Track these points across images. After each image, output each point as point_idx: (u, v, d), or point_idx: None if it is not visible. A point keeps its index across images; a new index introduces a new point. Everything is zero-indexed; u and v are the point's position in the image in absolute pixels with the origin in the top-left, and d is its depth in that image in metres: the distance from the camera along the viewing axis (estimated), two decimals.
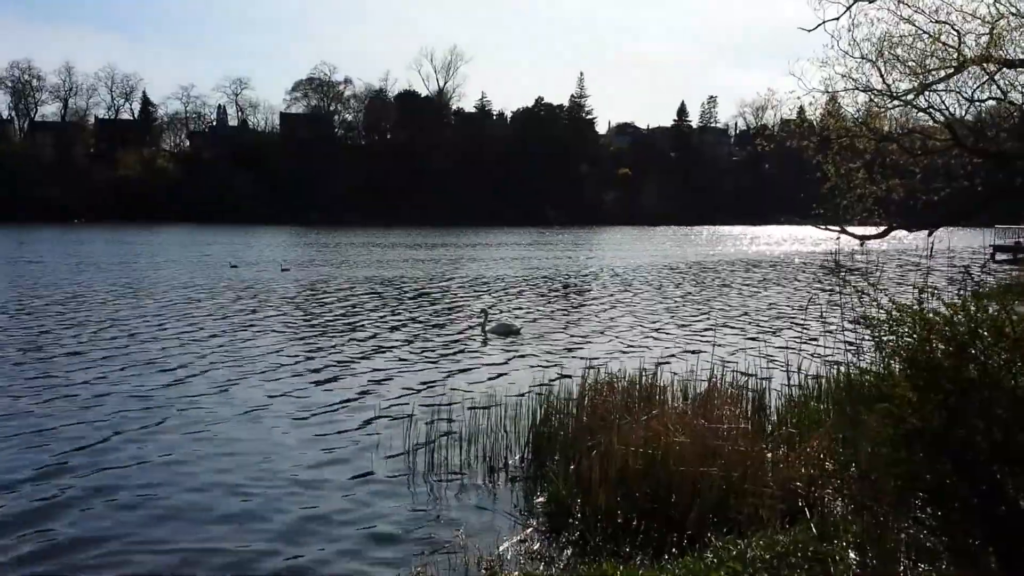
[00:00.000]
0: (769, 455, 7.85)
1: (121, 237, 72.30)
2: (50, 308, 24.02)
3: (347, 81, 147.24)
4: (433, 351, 17.58)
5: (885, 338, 6.22)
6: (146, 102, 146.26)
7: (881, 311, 6.28)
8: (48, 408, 12.15)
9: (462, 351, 17.54)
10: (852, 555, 5.81)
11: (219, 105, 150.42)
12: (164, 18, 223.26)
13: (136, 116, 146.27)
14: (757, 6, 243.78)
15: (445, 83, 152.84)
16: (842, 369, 9.92)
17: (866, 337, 7.60)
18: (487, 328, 20.01)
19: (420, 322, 22.14)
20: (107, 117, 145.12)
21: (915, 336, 5.85)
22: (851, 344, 9.32)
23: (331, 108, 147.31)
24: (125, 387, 13.59)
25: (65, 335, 18.97)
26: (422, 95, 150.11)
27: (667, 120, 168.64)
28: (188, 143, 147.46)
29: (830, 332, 14.33)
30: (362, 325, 21.52)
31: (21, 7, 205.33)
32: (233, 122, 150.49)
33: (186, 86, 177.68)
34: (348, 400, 12.94)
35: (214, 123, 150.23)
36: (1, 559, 7.12)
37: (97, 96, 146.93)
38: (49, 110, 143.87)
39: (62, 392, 13.14)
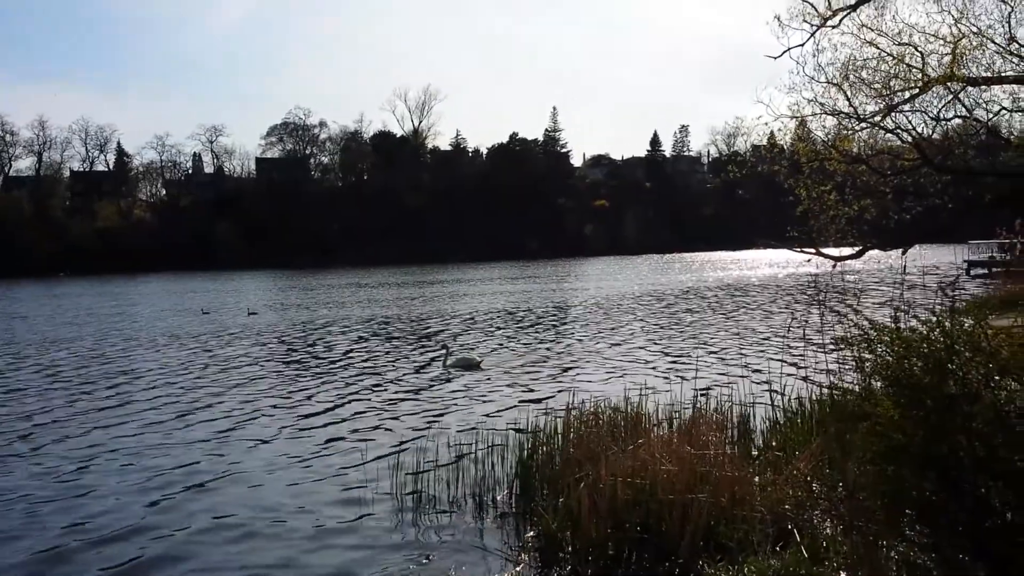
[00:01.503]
0: (757, 479, 7.86)
1: (102, 289, 71.87)
2: (31, 362, 23.83)
3: (322, 124, 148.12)
4: (415, 389, 17.50)
5: (864, 357, 6.28)
6: (121, 152, 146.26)
7: (860, 331, 6.34)
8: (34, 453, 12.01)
9: (444, 387, 17.47)
10: (843, 575, 5.81)
11: (194, 153, 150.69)
12: (136, 68, 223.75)
13: (111, 167, 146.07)
14: (725, 35, 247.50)
15: (420, 122, 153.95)
16: (825, 390, 9.96)
17: (847, 357, 7.67)
18: (448, 363, 20.18)
19: (401, 360, 22.02)
20: (82, 169, 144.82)
21: (893, 354, 5.91)
22: (832, 365, 9.37)
23: (307, 152, 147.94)
24: (93, 441, 13.43)
25: (42, 386, 18.80)
26: (397, 135, 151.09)
27: (640, 150, 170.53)
28: (164, 192, 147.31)
29: (812, 354, 14.41)
30: (340, 365, 21.43)
31: None
32: (209, 169, 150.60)
33: (160, 135, 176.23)
34: (330, 442, 12.83)
35: (190, 171, 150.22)
36: None
37: (71, 149, 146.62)
38: (23, 164, 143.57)
39: (36, 440, 13.01)
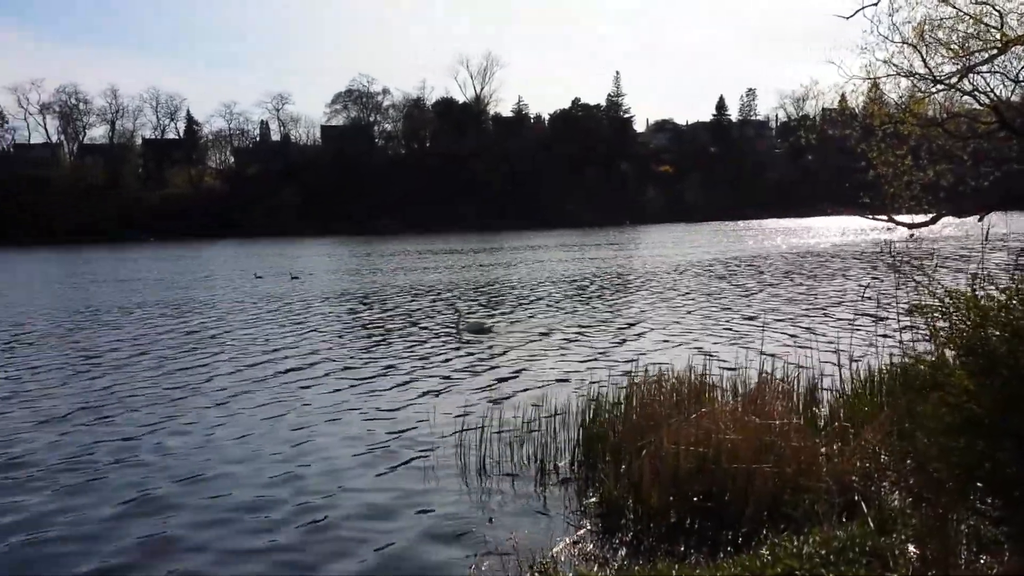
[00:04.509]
0: (823, 449, 7.75)
1: (181, 254, 73.95)
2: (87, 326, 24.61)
3: (385, 91, 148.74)
4: (479, 354, 17.61)
5: (938, 326, 6.11)
6: (190, 121, 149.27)
7: (934, 299, 6.16)
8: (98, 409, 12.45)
9: (508, 354, 17.53)
10: (911, 548, 5.70)
11: (262, 121, 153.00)
12: (204, 38, 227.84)
13: (181, 135, 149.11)
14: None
15: (482, 89, 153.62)
16: (895, 359, 9.75)
17: (919, 326, 7.47)
18: (461, 327, 20.83)
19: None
20: (153, 137, 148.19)
21: (969, 323, 5.74)
22: (903, 334, 9.16)
23: (371, 119, 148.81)
24: (157, 407, 13.83)
25: (99, 349, 19.39)
26: (459, 102, 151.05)
27: (706, 115, 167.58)
28: (233, 159, 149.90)
29: (882, 322, 14.14)
30: (402, 330, 21.65)
31: (64, 32, 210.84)
32: (276, 137, 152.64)
33: (228, 103, 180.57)
34: (395, 406, 13.03)
35: (257, 139, 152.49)
36: None
37: (143, 117, 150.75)
38: (97, 133, 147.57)
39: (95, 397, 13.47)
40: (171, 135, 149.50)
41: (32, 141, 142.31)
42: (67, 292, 38.02)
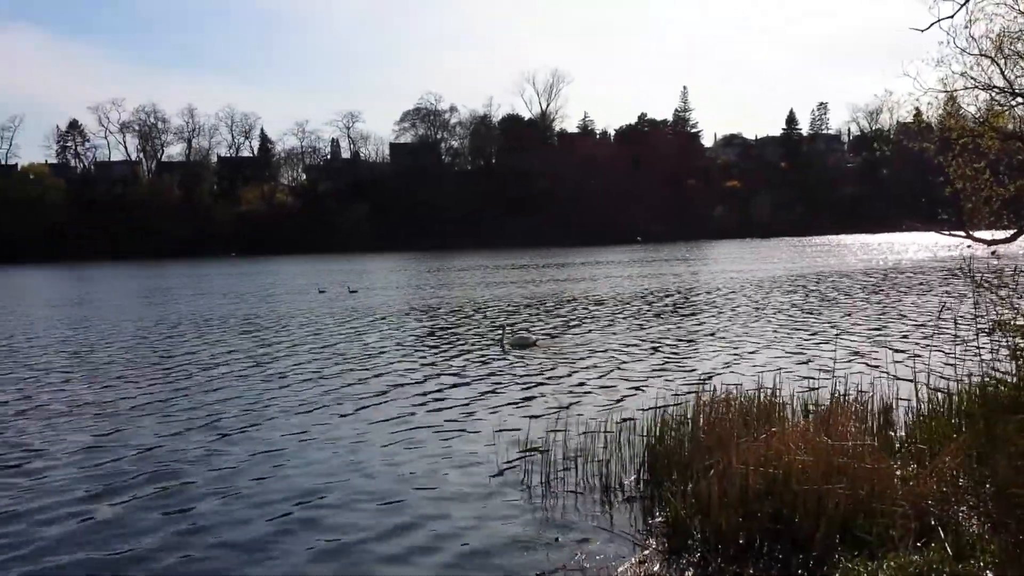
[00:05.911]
0: (898, 472, 7.54)
1: (249, 269, 75.67)
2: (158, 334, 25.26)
3: (452, 109, 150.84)
4: (533, 369, 17.54)
5: (1021, 344, 5.92)
6: (264, 139, 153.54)
7: (1018, 316, 5.98)
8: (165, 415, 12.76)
9: (562, 369, 17.44)
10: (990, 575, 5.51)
11: (332, 139, 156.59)
12: (278, 58, 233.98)
13: (255, 153, 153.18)
14: (863, 7, 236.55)
15: (547, 105, 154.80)
16: (975, 380, 9.45)
17: (1000, 345, 7.23)
18: (506, 342, 20.94)
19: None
20: (228, 155, 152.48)
21: None
22: (983, 353, 8.88)
23: (438, 136, 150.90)
24: (231, 415, 14.11)
25: (172, 357, 19.90)
26: (525, 118, 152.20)
27: (775, 129, 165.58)
28: (304, 176, 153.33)
29: (960, 341, 13.72)
30: (457, 344, 21.74)
31: (144, 53, 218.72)
32: (346, 154, 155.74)
33: (301, 122, 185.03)
34: (452, 421, 13.01)
35: (328, 156, 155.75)
36: None
37: (218, 135, 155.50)
38: (174, 151, 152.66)
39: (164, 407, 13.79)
40: (245, 153, 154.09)
41: (112, 159, 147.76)
42: (163, 305, 39.33)
